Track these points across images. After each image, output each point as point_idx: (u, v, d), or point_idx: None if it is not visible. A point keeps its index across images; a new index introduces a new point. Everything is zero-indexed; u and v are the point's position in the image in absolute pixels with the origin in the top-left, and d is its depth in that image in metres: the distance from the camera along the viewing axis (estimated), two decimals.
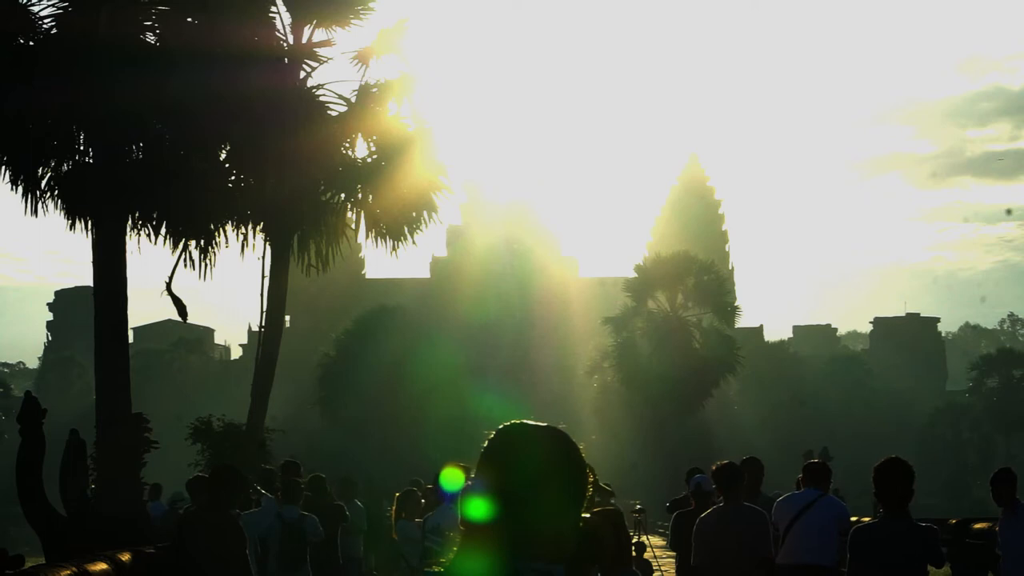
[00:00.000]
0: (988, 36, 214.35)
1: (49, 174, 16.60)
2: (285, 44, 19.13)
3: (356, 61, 19.68)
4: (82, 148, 16.73)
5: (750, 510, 8.69)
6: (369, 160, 19.59)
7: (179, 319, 19.53)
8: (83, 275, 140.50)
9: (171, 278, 17.99)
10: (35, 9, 16.40)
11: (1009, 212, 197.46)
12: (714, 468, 8.83)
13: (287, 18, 19.18)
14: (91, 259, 16.83)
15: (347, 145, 19.56)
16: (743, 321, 57.22)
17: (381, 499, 16.90)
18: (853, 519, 9.77)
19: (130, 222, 17.12)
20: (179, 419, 24.46)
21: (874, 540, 6.77)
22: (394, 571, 14.34)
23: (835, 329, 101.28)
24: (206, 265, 18.04)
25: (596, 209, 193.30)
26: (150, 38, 17.03)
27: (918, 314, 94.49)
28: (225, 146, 18.48)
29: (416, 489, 12.23)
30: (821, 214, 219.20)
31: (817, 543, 9.28)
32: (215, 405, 24.48)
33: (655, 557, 18.14)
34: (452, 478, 9.07)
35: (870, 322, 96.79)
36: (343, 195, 19.60)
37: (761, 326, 76.24)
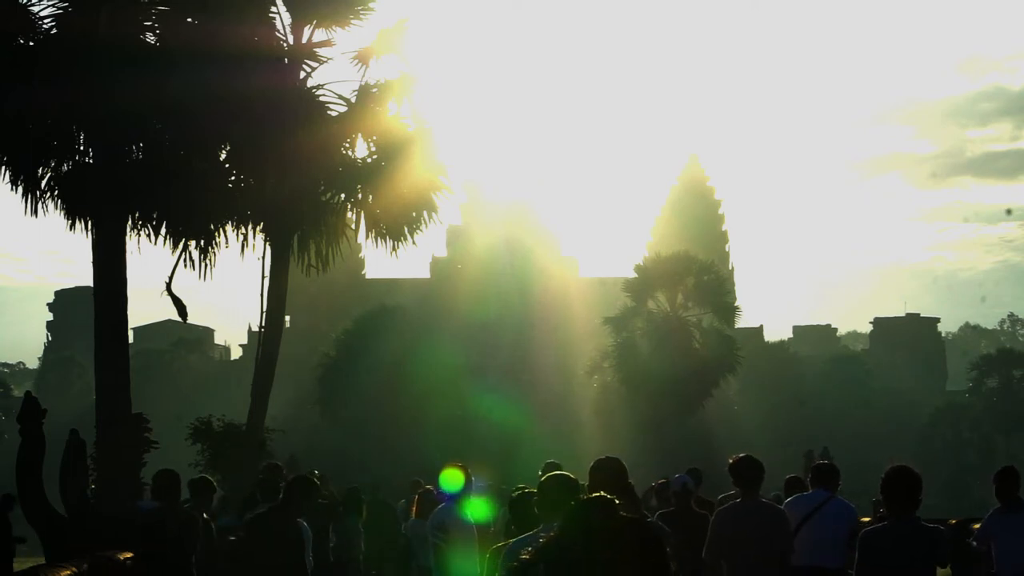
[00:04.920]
0: (988, 36, 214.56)
1: (49, 174, 16.59)
2: (285, 44, 19.12)
3: (356, 61, 19.68)
4: (82, 148, 16.71)
5: (768, 507, 8.62)
6: (369, 160, 19.58)
7: (179, 319, 19.51)
8: (83, 275, 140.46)
9: (171, 278, 17.98)
10: (35, 9, 16.39)
11: (1009, 212, 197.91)
12: (731, 461, 8.68)
13: (287, 18, 19.18)
14: (91, 259, 16.82)
15: (347, 145, 19.55)
16: (743, 321, 57.26)
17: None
18: (865, 520, 9.74)
19: (130, 222, 17.11)
20: (179, 419, 24.45)
21: (882, 543, 6.78)
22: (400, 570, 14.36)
23: (835, 329, 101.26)
24: (206, 265, 18.03)
25: (596, 209, 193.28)
26: (150, 38, 17.01)
27: (918, 314, 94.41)
28: (225, 146, 18.47)
29: (432, 489, 12.21)
30: (821, 214, 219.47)
31: (827, 546, 9.26)
32: (215, 405, 24.48)
33: None
34: (452, 478, 9.06)
35: (870, 322, 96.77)
36: (343, 195, 19.60)
37: (761, 326, 76.27)
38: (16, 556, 17.10)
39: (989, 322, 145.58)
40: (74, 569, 8.30)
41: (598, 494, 2.91)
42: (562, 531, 2.83)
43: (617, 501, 2.86)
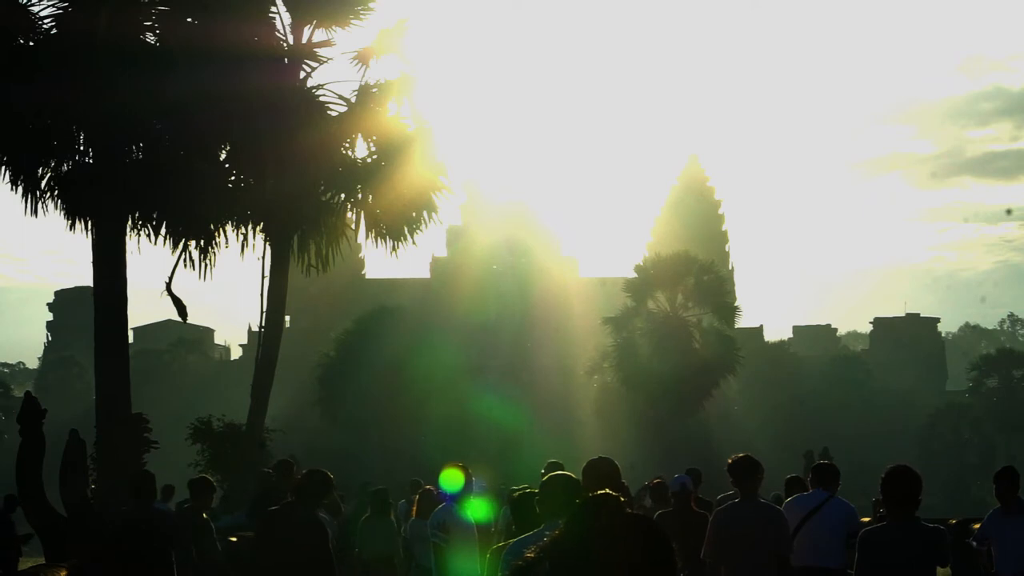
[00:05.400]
0: (988, 36, 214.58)
1: (49, 174, 16.61)
2: (285, 44, 19.13)
3: (356, 61, 19.68)
4: (82, 148, 16.73)
5: (766, 507, 8.60)
6: (369, 160, 19.58)
7: (179, 319, 19.53)
8: (83, 275, 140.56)
9: (171, 278, 18.00)
10: (35, 9, 16.42)
11: (1009, 212, 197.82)
12: (729, 461, 8.66)
13: (287, 18, 19.19)
14: (91, 259, 16.83)
15: (347, 145, 19.56)
16: (743, 321, 57.17)
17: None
18: (865, 520, 9.72)
19: (130, 222, 17.13)
20: (179, 419, 24.45)
21: (881, 542, 6.78)
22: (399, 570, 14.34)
23: (835, 329, 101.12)
24: (206, 265, 18.05)
25: (596, 209, 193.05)
26: (150, 38, 17.03)
27: (918, 314, 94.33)
28: (225, 146, 18.48)
29: (433, 489, 12.19)
30: (821, 214, 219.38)
31: (826, 546, 9.24)
32: (215, 405, 24.46)
33: None
34: (452, 478, 9.05)
35: (870, 322, 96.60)
36: (343, 195, 19.60)
37: (761, 326, 76.20)
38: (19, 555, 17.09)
39: (989, 322, 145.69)
40: (73, 569, 8.29)
41: (604, 491, 2.90)
42: (567, 529, 2.81)
43: (622, 499, 2.85)
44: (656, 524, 2.86)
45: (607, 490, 2.87)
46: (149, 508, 9.97)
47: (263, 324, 19.78)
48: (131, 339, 21.75)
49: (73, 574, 8.94)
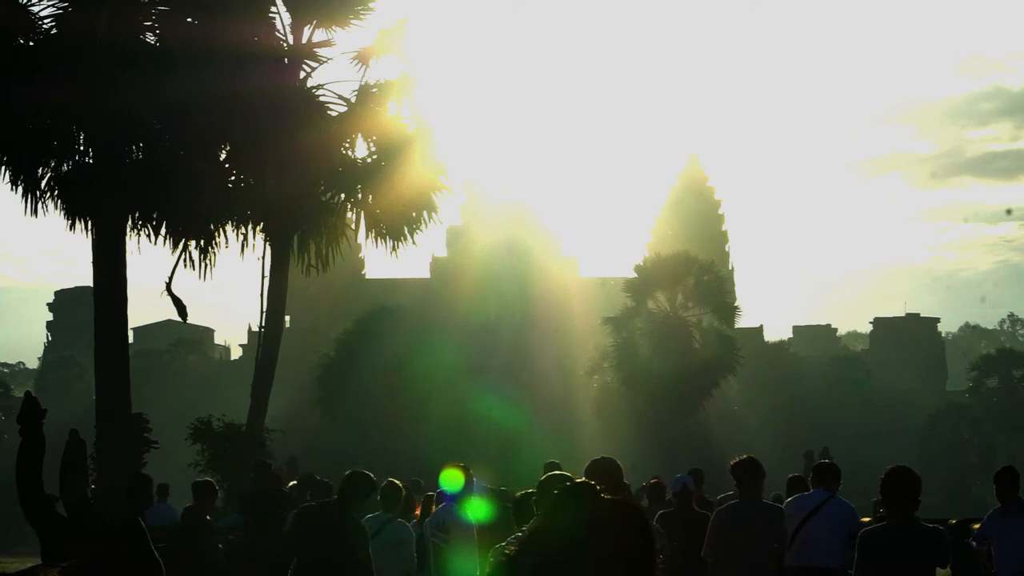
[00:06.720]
0: (988, 36, 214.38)
1: (49, 174, 16.62)
2: (285, 44, 19.13)
3: (356, 61, 19.68)
4: (82, 148, 16.75)
5: (766, 506, 8.63)
6: (369, 160, 19.59)
7: (179, 319, 19.54)
8: (83, 275, 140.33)
9: (171, 278, 18.01)
10: (35, 9, 16.43)
11: (1009, 212, 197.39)
12: (733, 462, 8.70)
13: (287, 18, 19.19)
14: (91, 259, 16.84)
15: (347, 145, 19.56)
16: (743, 321, 57.17)
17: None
18: (865, 520, 9.75)
19: (130, 222, 17.14)
20: (179, 419, 24.44)
21: (881, 542, 6.79)
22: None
23: (835, 329, 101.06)
24: (206, 265, 18.06)
25: (596, 209, 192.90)
26: (150, 38, 17.05)
27: (918, 314, 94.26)
28: (225, 146, 18.49)
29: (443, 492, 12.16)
30: (821, 214, 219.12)
31: (827, 546, 9.25)
32: (215, 405, 24.44)
33: None
34: (452, 478, 9.06)
35: (870, 322, 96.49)
36: (343, 195, 19.61)
37: (761, 326, 76.14)
38: (19, 556, 17.09)
39: (989, 322, 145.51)
40: (72, 569, 8.29)
41: (581, 480, 2.89)
42: (545, 521, 2.80)
43: (599, 486, 2.82)
44: (633, 506, 2.82)
45: (583, 479, 2.86)
46: (139, 511, 9.96)
47: (263, 324, 19.79)
48: (131, 339, 21.76)
49: (71, 574, 8.93)
